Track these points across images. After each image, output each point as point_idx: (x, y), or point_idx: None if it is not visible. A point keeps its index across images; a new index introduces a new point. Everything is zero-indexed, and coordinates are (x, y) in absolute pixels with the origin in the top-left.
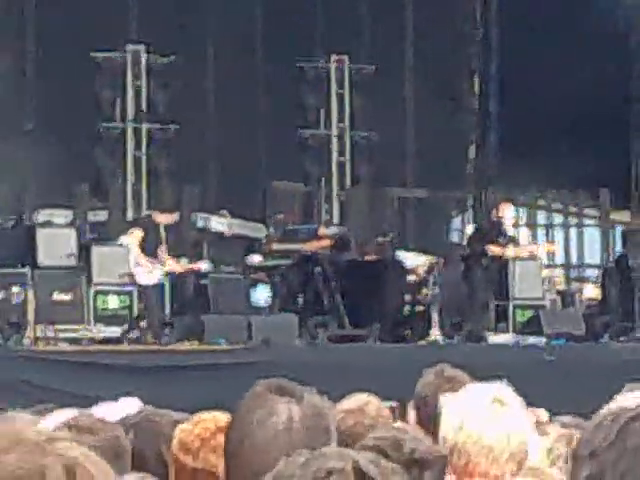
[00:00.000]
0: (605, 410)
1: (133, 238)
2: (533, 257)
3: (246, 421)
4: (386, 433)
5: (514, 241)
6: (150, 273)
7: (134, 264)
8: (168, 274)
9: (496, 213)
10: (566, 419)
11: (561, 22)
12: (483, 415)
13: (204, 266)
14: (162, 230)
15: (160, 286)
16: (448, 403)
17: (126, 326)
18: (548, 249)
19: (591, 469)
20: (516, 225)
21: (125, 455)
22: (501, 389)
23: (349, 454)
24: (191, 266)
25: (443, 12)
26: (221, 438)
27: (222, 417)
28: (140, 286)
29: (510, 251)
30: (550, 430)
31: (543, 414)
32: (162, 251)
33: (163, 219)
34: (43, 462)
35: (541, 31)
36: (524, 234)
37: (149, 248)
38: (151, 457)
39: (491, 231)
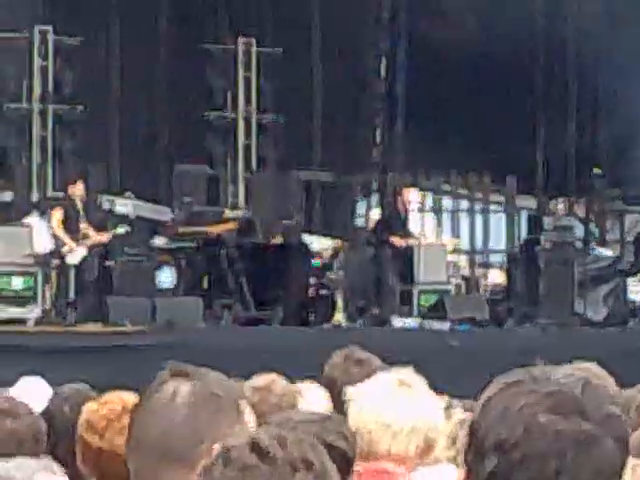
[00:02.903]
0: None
1: (55, 218)
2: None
3: (138, 401)
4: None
5: (416, 235)
6: (73, 251)
7: (55, 244)
8: (94, 247)
9: (401, 199)
10: (469, 404)
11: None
12: (383, 395)
13: (124, 230)
14: (79, 204)
15: (85, 263)
16: (352, 392)
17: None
18: (453, 245)
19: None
20: (421, 210)
21: (42, 439)
22: (406, 373)
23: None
24: (116, 231)
25: None
26: (127, 419)
27: (129, 398)
28: (64, 264)
29: (413, 242)
30: (452, 415)
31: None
32: (84, 226)
33: (75, 190)
34: None
35: (449, 16)
36: (429, 221)
37: (71, 225)
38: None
39: (395, 221)
